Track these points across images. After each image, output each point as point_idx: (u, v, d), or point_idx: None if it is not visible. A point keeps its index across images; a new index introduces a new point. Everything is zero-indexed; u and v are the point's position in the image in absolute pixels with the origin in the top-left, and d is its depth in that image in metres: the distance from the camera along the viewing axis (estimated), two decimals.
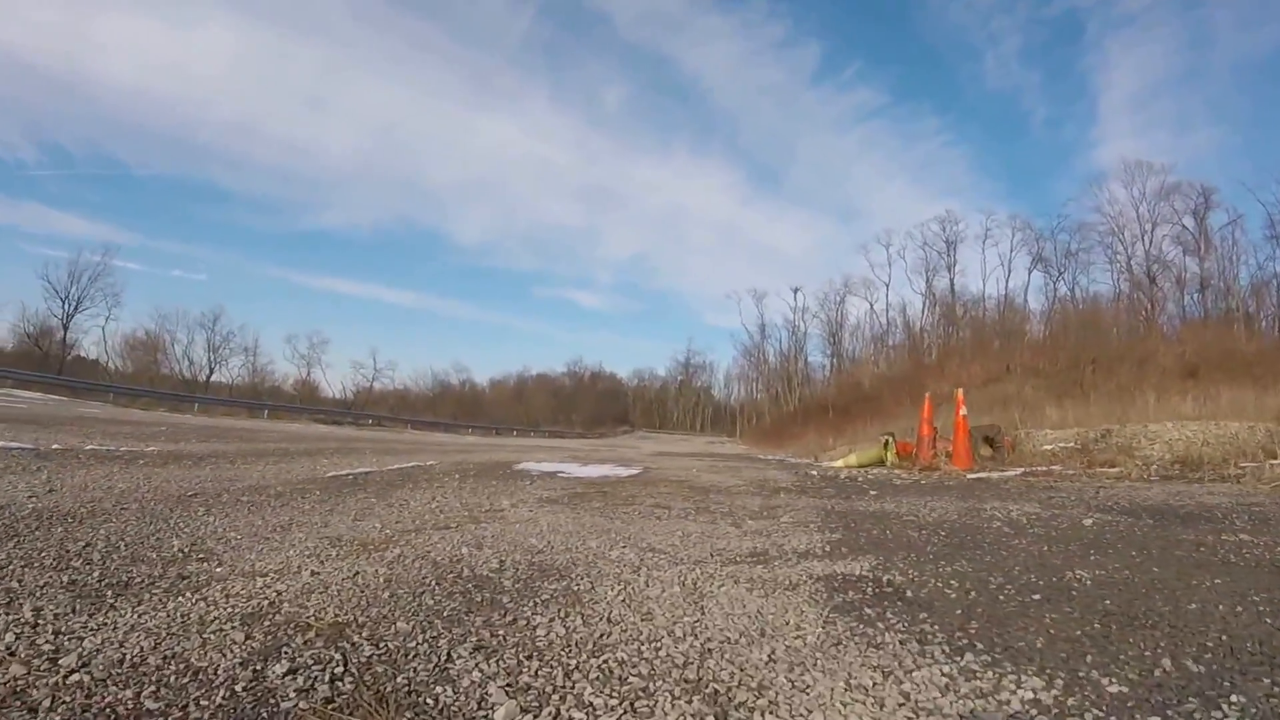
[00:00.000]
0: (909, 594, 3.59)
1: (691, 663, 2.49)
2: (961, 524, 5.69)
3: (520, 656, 2.46)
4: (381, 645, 2.51)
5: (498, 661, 2.41)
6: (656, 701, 2.18)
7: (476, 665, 2.37)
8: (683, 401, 67.57)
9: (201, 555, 3.63)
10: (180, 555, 3.61)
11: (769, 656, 2.57)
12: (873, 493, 8.35)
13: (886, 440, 13.74)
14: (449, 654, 2.46)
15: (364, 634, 2.61)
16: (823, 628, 2.93)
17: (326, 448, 12.06)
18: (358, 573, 3.46)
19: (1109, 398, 14.71)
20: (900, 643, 2.76)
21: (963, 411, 12.28)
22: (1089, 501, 6.90)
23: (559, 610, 3.03)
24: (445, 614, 2.91)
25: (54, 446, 7.40)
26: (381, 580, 3.36)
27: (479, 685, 2.22)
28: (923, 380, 18.82)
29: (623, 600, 3.25)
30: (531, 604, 3.12)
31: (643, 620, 2.95)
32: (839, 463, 14.22)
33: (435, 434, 34.77)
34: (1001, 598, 3.44)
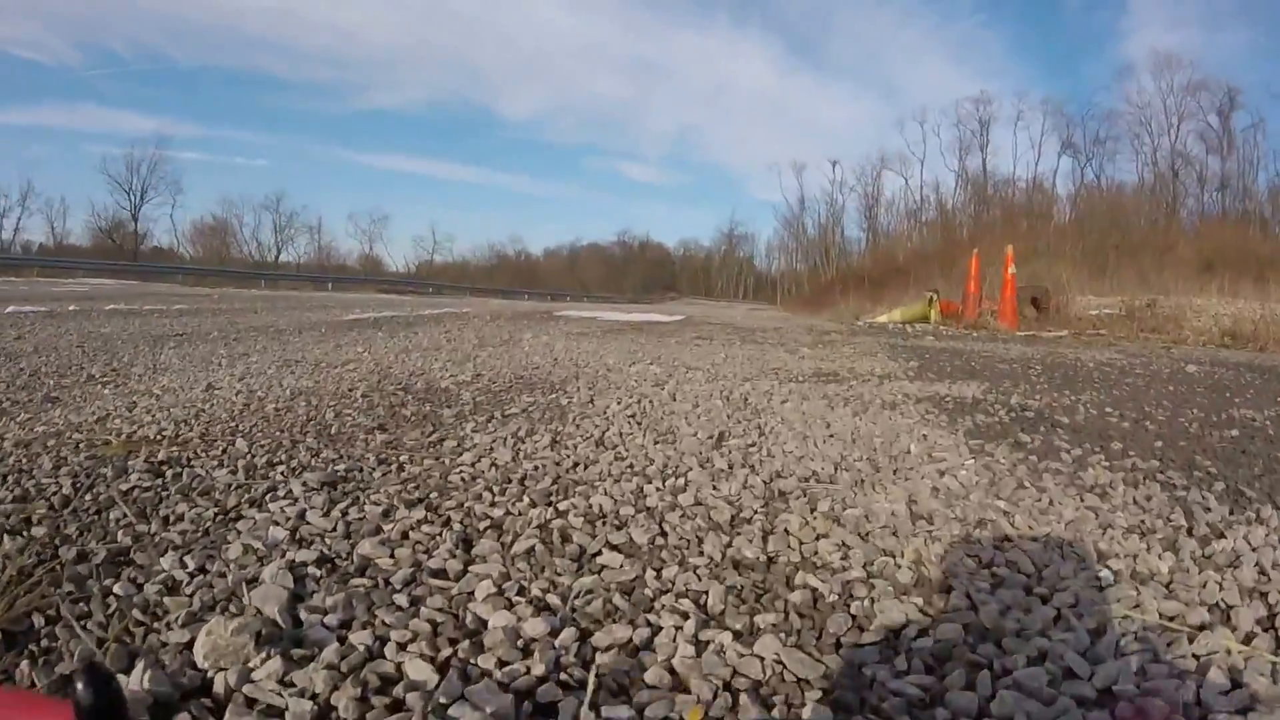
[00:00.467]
0: (1064, 420, 2.20)
1: (751, 517, 1.12)
2: (1051, 363, 4.21)
3: (399, 501, 1.12)
4: (161, 473, 1.20)
5: (349, 510, 1.07)
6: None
7: (292, 512, 1.04)
8: (726, 271, 64.73)
9: (107, 380, 2.41)
10: (83, 380, 2.39)
11: (910, 508, 1.18)
12: (930, 337, 6.80)
13: (931, 296, 11.85)
14: (267, 493, 1.14)
15: (164, 454, 1.31)
16: (974, 459, 1.53)
17: (371, 302, 10.88)
18: (270, 387, 2.18)
19: (1131, 284, 12.61)
20: (1137, 489, 1.35)
21: (1011, 269, 10.43)
22: (1168, 356, 5.35)
23: (521, 428, 1.69)
24: (335, 430, 1.59)
25: (70, 308, 6.28)
26: (287, 393, 2.07)
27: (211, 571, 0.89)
28: (955, 256, 16.75)
29: (629, 415, 1.89)
30: (485, 419, 1.78)
31: (657, 444, 1.57)
32: (882, 318, 12.51)
33: (493, 300, 33.30)
34: (1193, 431, 2.19)
